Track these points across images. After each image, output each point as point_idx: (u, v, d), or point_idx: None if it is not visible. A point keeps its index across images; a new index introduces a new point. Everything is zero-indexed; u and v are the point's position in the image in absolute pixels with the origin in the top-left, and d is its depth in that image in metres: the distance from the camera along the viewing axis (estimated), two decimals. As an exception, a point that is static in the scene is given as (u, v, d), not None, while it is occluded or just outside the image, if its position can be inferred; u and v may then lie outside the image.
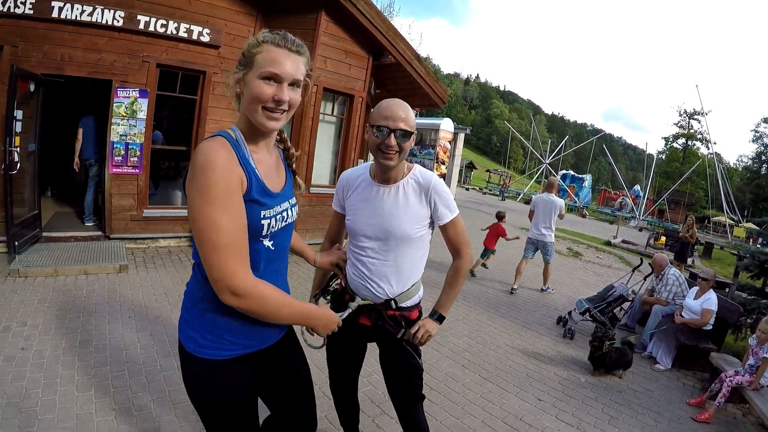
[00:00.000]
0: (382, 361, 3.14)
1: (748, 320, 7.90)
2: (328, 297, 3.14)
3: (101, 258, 7.46)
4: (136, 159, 8.35)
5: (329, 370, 3.28)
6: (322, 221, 10.15)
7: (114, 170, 8.20)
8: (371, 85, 11.39)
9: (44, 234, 7.99)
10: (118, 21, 7.70)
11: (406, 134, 2.58)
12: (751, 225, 39.07)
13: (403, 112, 2.58)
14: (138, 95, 8.19)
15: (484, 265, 11.47)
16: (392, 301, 2.88)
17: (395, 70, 11.11)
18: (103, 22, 7.59)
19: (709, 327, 6.94)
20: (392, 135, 2.54)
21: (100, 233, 8.53)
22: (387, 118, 2.55)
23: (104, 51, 7.79)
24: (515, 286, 10.04)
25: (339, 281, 3.13)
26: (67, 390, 4.17)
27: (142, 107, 8.27)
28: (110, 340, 5.18)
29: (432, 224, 2.90)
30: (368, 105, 11.58)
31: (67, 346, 4.90)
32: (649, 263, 8.67)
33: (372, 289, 2.86)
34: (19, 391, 4.04)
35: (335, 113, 10.45)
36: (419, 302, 3.08)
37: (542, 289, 10.51)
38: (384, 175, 2.77)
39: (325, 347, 2.96)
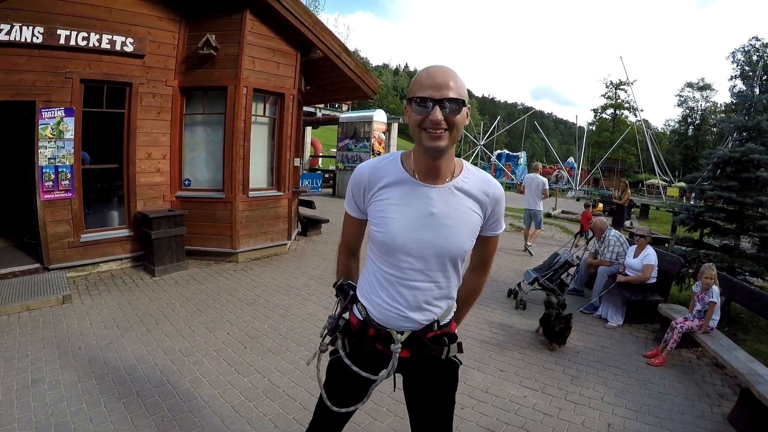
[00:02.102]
0: (414, 389, 2.44)
1: (690, 270, 8.18)
2: (338, 336, 2.37)
3: (42, 291, 7.19)
4: (67, 182, 7.99)
5: (320, 413, 2.49)
6: (263, 225, 10.04)
7: (45, 196, 7.82)
8: (301, 82, 11.30)
9: None
10: (38, 37, 7.35)
11: (458, 105, 1.94)
12: (682, 184, 40.48)
13: (449, 78, 1.95)
14: (63, 114, 7.83)
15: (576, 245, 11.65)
16: (435, 323, 2.28)
17: (324, 65, 10.98)
18: (22, 40, 7.22)
19: (653, 280, 7.19)
20: (437, 107, 1.91)
21: (38, 265, 8.14)
22: (429, 87, 1.93)
23: (25, 71, 7.43)
24: (529, 243, 12.65)
25: (345, 312, 2.42)
26: None
27: (69, 127, 7.92)
28: (63, 375, 5.01)
29: None
30: (299, 102, 11.52)
31: (18, 388, 4.70)
32: (590, 228, 8.90)
33: (413, 318, 2.22)
34: None
35: (267, 114, 10.32)
36: (454, 312, 2.44)
37: (525, 246, 12.75)
38: (432, 169, 2.11)
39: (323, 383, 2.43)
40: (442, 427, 2.38)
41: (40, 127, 7.61)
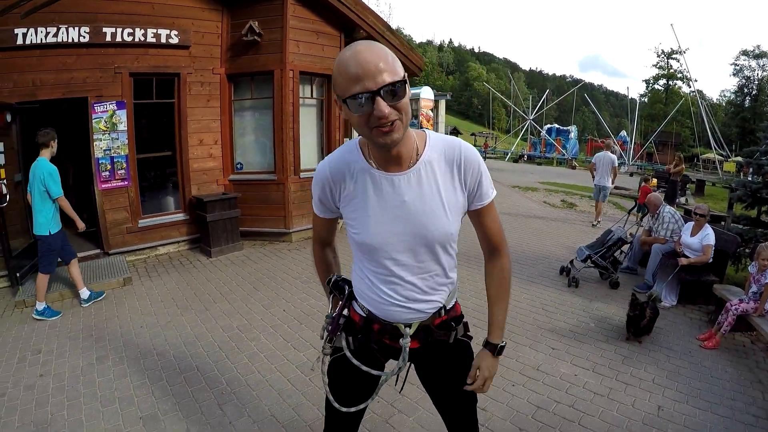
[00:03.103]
0: (429, 373, 2.37)
1: (746, 250, 7.99)
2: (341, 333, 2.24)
3: (104, 275, 7.49)
4: (123, 171, 8.33)
5: (332, 417, 2.38)
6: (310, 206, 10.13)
7: (103, 186, 8.17)
8: (347, 63, 11.30)
9: None
10: (84, 37, 7.61)
11: (397, 86, 1.65)
12: (740, 158, 39.17)
13: (380, 60, 1.62)
14: (116, 107, 8.14)
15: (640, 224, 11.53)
16: (441, 309, 2.18)
17: (369, 45, 10.99)
18: (69, 40, 7.51)
19: (709, 260, 7.05)
20: (379, 98, 1.61)
21: (98, 251, 8.51)
22: (361, 78, 1.60)
23: (75, 69, 7.72)
24: (599, 220, 13.04)
25: (344, 309, 2.28)
26: (92, 407, 4.25)
27: (122, 119, 8.22)
28: (126, 352, 5.26)
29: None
30: None
31: (84, 365, 4.97)
32: (644, 204, 8.77)
33: (416, 309, 2.10)
34: (45, 417, 4.09)
35: (314, 95, 10.40)
36: (457, 294, 2.35)
37: (593, 224, 13.17)
38: (392, 158, 1.92)
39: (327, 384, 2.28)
40: (464, 399, 2.33)
41: (93, 120, 7.94)
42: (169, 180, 9.91)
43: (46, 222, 6.25)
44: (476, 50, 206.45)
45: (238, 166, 10.06)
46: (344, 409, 2.19)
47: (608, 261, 7.89)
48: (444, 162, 1.98)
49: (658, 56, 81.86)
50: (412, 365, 2.36)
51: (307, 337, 5.71)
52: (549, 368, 5.13)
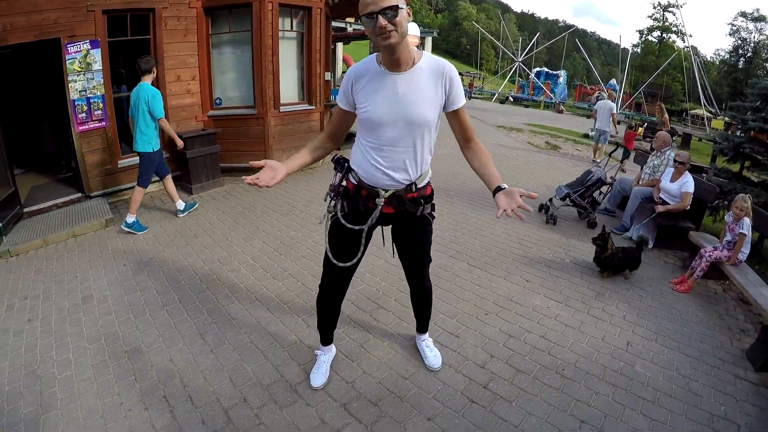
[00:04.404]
0: (399, 237, 3.38)
1: (725, 202, 8.05)
2: (339, 198, 3.12)
3: (86, 217, 7.38)
4: (100, 112, 8.03)
5: (329, 274, 3.37)
6: (296, 139, 10.05)
7: (80, 128, 7.87)
8: (329, -5, 11.01)
9: (25, 210, 7.70)
10: None
11: (393, 9, 2.48)
12: (728, 118, 39.15)
13: None
14: (89, 47, 7.75)
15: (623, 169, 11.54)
16: (413, 185, 3.03)
17: (351, -23, 10.71)
18: None
19: (687, 207, 7.09)
20: (379, 17, 2.47)
21: (80, 194, 8.32)
22: (369, 4, 2.49)
23: (46, 10, 7.23)
24: (597, 160, 13.34)
25: (343, 180, 3.13)
26: (79, 345, 4.28)
27: (96, 58, 7.86)
28: (110, 290, 5.26)
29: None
30: (327, 16, 11.26)
31: (70, 306, 4.96)
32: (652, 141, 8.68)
33: (395, 177, 2.95)
34: (34, 358, 4.12)
35: (294, 28, 10.13)
36: (429, 177, 3.20)
37: (593, 160, 13.90)
38: (394, 61, 2.73)
39: (329, 250, 3.22)
40: (421, 255, 3.48)
41: (67, 61, 7.54)
42: None
43: (148, 140, 6.91)
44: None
45: (217, 101, 9.85)
46: (340, 264, 3.17)
47: (587, 201, 7.93)
48: (433, 71, 2.81)
49: (654, 8, 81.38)
50: (389, 232, 3.40)
51: (285, 266, 5.75)
52: (522, 299, 5.20)
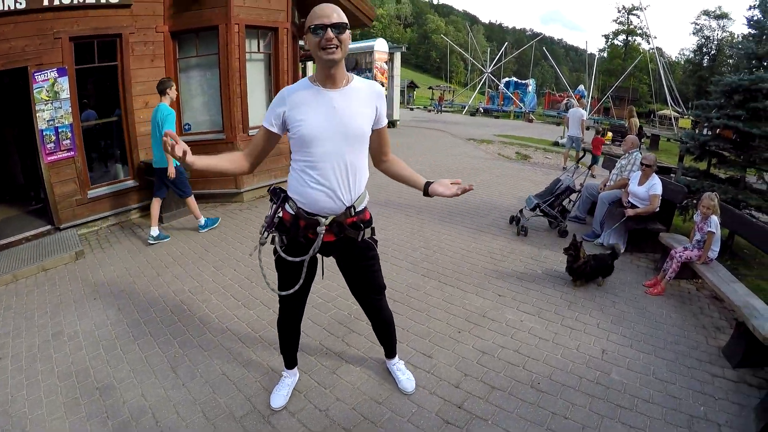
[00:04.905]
0: (345, 267, 3.39)
1: (694, 201, 8.09)
2: (274, 232, 3.13)
3: (56, 250, 7.24)
4: (68, 141, 7.91)
5: (282, 303, 3.45)
6: (266, 162, 9.86)
7: (49, 158, 7.75)
8: (295, 15, 10.97)
9: None
10: (21, 3, 7.06)
11: (341, 26, 2.67)
12: (697, 112, 39.53)
13: (333, 10, 2.69)
14: (57, 75, 7.66)
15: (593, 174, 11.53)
16: (351, 208, 3.05)
17: (318, -6, 10.69)
18: (6, 8, 6.94)
19: (656, 209, 7.12)
20: (329, 30, 2.63)
21: (50, 226, 8.16)
22: (320, 17, 2.65)
23: (13, 38, 7.17)
24: (566, 165, 13.08)
25: (279, 210, 3.13)
26: (50, 383, 4.17)
27: (64, 86, 7.75)
28: (80, 325, 5.15)
29: None
30: (294, 36, 11.23)
31: (41, 343, 4.85)
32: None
33: (332, 198, 2.96)
34: (6, 398, 4.02)
35: (262, 50, 10.12)
36: (367, 201, 3.23)
37: (563, 167, 13.57)
38: (330, 77, 2.83)
39: (277, 278, 3.29)
40: (371, 284, 3.43)
41: (35, 90, 7.43)
42: (116, 147, 9.56)
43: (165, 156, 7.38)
44: (435, 2, 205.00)
45: (186, 127, 9.72)
46: (281, 293, 3.24)
47: (557, 210, 7.94)
48: (367, 91, 2.99)
49: (619, 11, 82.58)
50: (333, 260, 3.38)
51: (257, 294, 5.67)
52: (495, 314, 5.16)
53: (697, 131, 11.19)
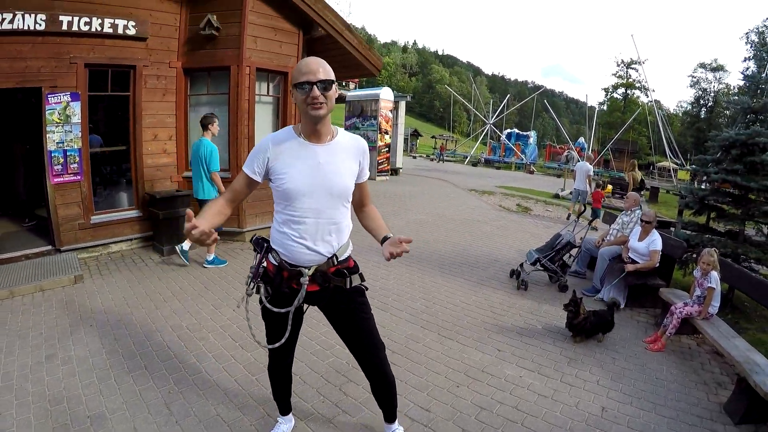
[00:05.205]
0: (334, 317, 3.25)
1: (694, 255, 8.10)
2: (259, 282, 3.07)
3: (55, 272, 7.27)
4: (76, 165, 8.07)
5: (271, 350, 3.34)
6: (269, 204, 9.87)
7: (55, 180, 7.90)
8: (304, 60, 11.23)
9: None
10: (40, 24, 7.36)
11: (327, 83, 2.67)
12: (694, 167, 39.78)
13: (319, 66, 2.67)
14: (70, 99, 7.87)
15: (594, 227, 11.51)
16: (334, 257, 3.00)
17: (327, 43, 10.88)
18: (25, 27, 7.24)
19: (656, 265, 7.12)
20: (314, 87, 2.62)
21: (50, 247, 8.25)
22: (306, 73, 2.63)
23: (29, 58, 7.46)
24: (575, 218, 10.99)
25: (262, 261, 3.07)
26: (41, 406, 4.13)
27: (75, 111, 7.96)
28: (75, 351, 5.12)
29: None
30: None
31: (33, 364, 4.82)
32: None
33: (316, 251, 2.93)
34: None
35: (271, 93, 10.30)
36: (351, 251, 3.20)
37: (568, 216, 13.78)
38: (316, 132, 2.83)
39: (265, 328, 3.25)
40: (367, 337, 3.25)
41: (47, 112, 7.64)
42: (122, 175, 9.73)
43: (208, 189, 7.94)
44: (440, 53, 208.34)
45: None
46: (268, 346, 3.23)
47: (557, 264, 7.95)
48: (352, 146, 3.00)
49: (618, 66, 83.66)
50: (322, 312, 3.27)
51: (256, 336, 5.61)
52: (494, 369, 5.11)
53: (696, 183, 11.26)
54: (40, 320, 5.86)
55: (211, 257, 8.21)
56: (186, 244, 7.99)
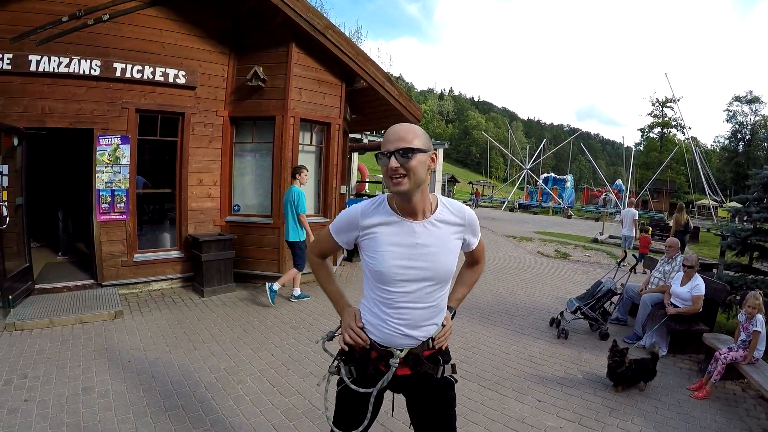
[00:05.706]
0: (416, 406, 2.72)
1: (737, 297, 7.96)
2: (342, 360, 2.68)
3: (95, 306, 7.50)
4: (122, 205, 8.47)
5: None
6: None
7: (102, 217, 8.31)
8: (347, 111, 11.55)
9: (37, 286, 8.03)
10: (95, 70, 7.92)
11: (407, 151, 2.27)
12: (735, 204, 39.19)
13: (403, 132, 2.32)
14: (120, 142, 8.35)
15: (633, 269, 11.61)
16: (430, 340, 2.58)
17: (369, 94, 11.30)
18: (81, 72, 7.82)
19: (699, 310, 7.02)
20: (393, 157, 2.27)
21: (92, 281, 8.55)
22: (387, 142, 2.32)
23: (83, 100, 7.99)
24: (625, 263, 10.89)
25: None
26: None
27: (125, 153, 8.42)
28: (112, 385, 5.23)
29: None
30: (345, 131, 11.79)
31: (69, 395, 4.94)
32: (665, 245, 8.64)
33: (412, 336, 2.53)
34: None
35: (314, 142, 10.56)
36: None
37: (618, 262, 12.17)
38: (410, 208, 2.46)
39: (333, 413, 2.74)
40: (444, 430, 2.69)
41: (97, 153, 8.14)
42: (166, 217, 10.18)
43: (294, 230, 8.65)
44: (476, 99, 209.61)
45: (236, 207, 10.17)
46: None
47: (598, 312, 7.88)
48: (455, 221, 2.57)
49: (653, 105, 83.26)
50: (403, 397, 2.75)
51: (293, 383, 5.65)
52: (534, 420, 5.06)
53: (737, 221, 11.08)
54: (78, 352, 6.03)
55: (297, 292, 8.98)
56: (276, 285, 8.53)
